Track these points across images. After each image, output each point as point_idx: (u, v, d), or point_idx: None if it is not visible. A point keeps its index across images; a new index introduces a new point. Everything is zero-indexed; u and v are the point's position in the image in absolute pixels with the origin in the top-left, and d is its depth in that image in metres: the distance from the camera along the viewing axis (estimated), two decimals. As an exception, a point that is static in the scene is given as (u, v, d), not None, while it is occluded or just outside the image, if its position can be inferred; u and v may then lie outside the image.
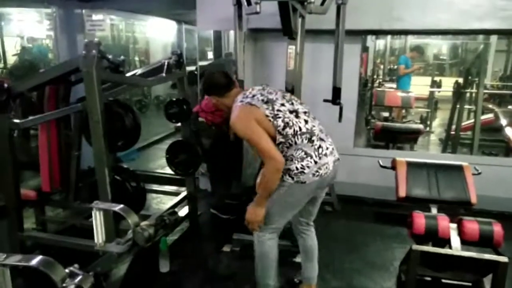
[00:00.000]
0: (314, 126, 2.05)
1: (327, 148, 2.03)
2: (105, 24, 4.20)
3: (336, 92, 2.81)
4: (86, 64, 2.15)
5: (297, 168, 1.93)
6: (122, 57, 2.58)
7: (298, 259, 2.73)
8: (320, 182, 1.98)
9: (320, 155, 1.97)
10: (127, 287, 2.21)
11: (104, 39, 5.97)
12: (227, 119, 2.13)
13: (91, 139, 2.29)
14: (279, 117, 1.96)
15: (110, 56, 2.41)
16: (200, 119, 3.27)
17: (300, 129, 1.97)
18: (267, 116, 1.94)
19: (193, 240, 3.06)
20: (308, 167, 1.93)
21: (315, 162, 1.94)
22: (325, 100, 2.85)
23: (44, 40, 7.95)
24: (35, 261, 1.38)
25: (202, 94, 3.71)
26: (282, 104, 2.01)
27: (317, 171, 1.94)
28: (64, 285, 1.40)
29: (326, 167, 1.98)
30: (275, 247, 2.13)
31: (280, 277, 2.53)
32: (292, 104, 2.07)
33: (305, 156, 1.94)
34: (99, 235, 1.79)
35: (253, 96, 2.03)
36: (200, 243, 3.02)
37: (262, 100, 1.99)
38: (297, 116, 2.01)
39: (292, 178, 1.94)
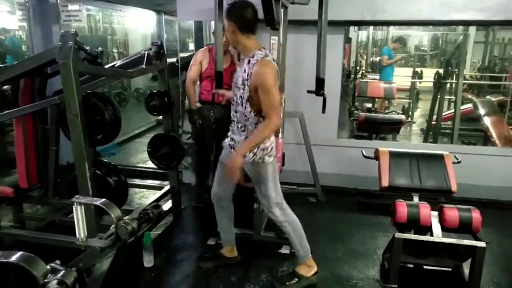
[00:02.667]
0: None
1: None
2: (81, 15, 4.04)
3: (320, 83, 2.80)
4: (63, 55, 2.08)
5: (269, 145, 2.18)
6: (100, 49, 2.51)
7: (283, 250, 2.75)
8: None
9: None
10: (110, 282, 2.18)
11: (81, 30, 5.79)
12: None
13: (69, 133, 2.22)
14: None
15: (87, 47, 2.34)
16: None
17: None
18: None
19: (177, 234, 3.03)
20: (271, 143, 2.20)
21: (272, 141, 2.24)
22: (309, 91, 2.84)
23: (17, 31, 7.66)
24: (15, 257, 1.34)
25: (183, 86, 3.67)
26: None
27: (272, 148, 2.22)
28: (46, 280, 1.36)
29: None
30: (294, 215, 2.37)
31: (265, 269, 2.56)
32: None
33: None
34: (80, 230, 1.74)
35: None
36: (184, 237, 2.99)
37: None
38: None
39: (270, 157, 2.19)
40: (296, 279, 2.36)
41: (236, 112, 2.19)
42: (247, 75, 2.05)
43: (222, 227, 2.54)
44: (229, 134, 2.31)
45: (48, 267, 1.36)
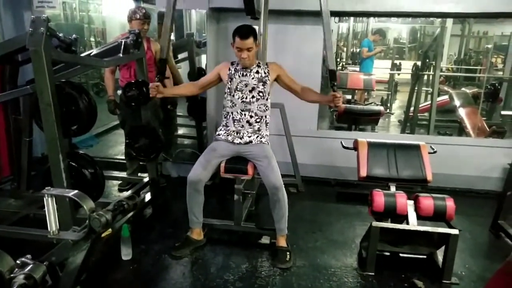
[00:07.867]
0: None
1: None
2: (55, 1, 3.89)
3: (332, 75, 2.59)
4: (34, 42, 1.99)
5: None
6: (74, 36, 2.42)
7: (263, 241, 2.76)
8: None
9: None
10: (87, 276, 2.14)
11: (56, 18, 5.59)
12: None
13: (42, 123, 2.15)
14: None
15: (60, 34, 2.26)
16: None
17: None
18: None
19: (157, 226, 3.00)
20: None
21: None
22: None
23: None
24: (-21, 253, 1.29)
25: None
26: None
27: None
28: (12, 275, 1.32)
29: None
30: None
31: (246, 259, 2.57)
32: None
33: None
34: (52, 223, 1.70)
35: None
36: (163, 228, 2.96)
37: None
38: None
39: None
40: (288, 253, 2.55)
41: (243, 110, 2.57)
42: (265, 74, 2.58)
43: (194, 211, 2.63)
44: (222, 131, 2.65)
45: (18, 261, 1.31)
